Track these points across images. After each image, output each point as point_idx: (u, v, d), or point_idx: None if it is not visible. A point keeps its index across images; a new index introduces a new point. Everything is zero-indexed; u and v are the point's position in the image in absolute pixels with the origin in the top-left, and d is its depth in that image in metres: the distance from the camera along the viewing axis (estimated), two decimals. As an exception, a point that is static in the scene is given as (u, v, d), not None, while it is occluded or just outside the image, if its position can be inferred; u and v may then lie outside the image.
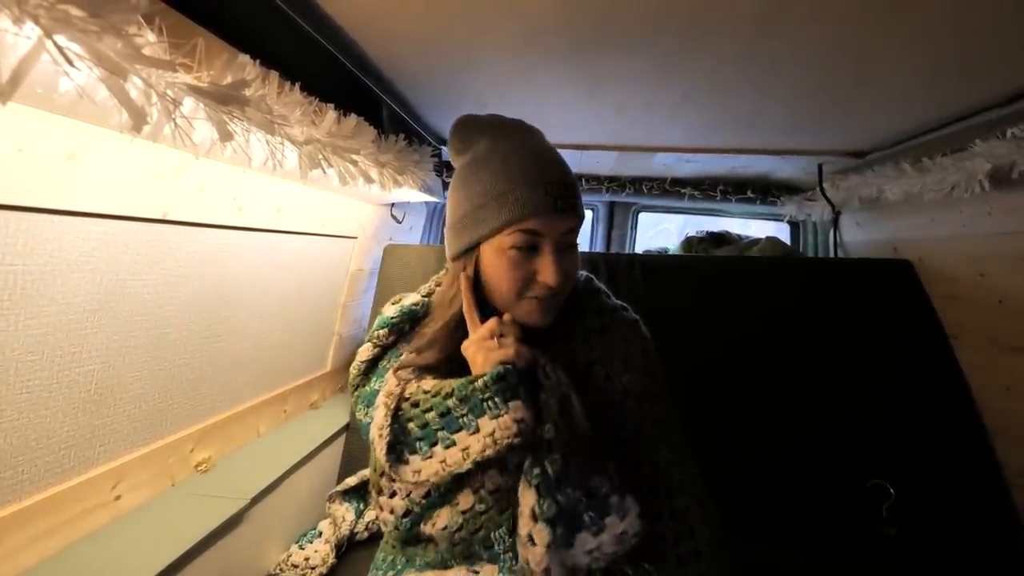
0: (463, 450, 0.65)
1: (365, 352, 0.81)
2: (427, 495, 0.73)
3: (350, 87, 0.92)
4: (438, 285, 0.85)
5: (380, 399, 0.73)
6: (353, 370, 0.82)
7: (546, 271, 0.67)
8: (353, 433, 1.29)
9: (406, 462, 0.69)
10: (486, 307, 0.73)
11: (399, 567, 0.76)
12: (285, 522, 1.03)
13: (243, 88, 0.58)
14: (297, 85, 0.75)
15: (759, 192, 1.75)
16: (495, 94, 1.04)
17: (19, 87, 0.36)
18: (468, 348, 0.67)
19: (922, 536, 1.05)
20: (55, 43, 0.35)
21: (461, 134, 0.77)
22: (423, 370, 0.74)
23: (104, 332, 0.74)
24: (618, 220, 2.10)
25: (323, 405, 1.41)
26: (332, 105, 0.85)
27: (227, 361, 1.02)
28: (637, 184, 1.81)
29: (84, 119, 0.55)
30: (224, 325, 0.99)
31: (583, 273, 0.84)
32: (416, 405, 0.69)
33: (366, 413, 0.77)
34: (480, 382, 0.62)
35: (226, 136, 0.56)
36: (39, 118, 0.54)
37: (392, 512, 0.75)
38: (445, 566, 0.70)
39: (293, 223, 1.11)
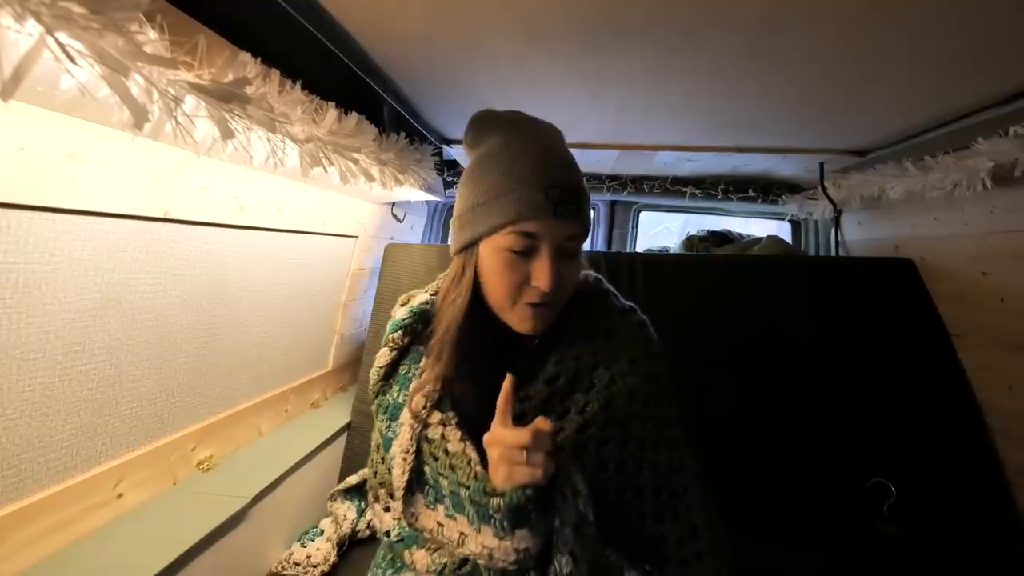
0: (460, 533, 0.63)
1: (383, 357, 0.79)
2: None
3: (351, 85, 0.92)
4: None
5: (406, 418, 0.71)
6: (373, 376, 0.80)
7: (540, 275, 0.64)
8: (354, 432, 1.29)
9: (412, 495, 0.69)
10: (484, 309, 0.72)
11: (399, 565, 0.76)
12: (287, 520, 1.03)
13: (244, 86, 0.58)
14: (298, 83, 0.75)
15: (760, 191, 1.75)
16: (497, 93, 1.04)
17: (21, 84, 0.36)
18: (492, 448, 0.61)
19: (923, 535, 1.05)
20: (56, 40, 0.35)
21: (477, 128, 0.76)
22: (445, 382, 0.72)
23: (106, 331, 0.74)
24: (619, 219, 2.10)
25: (324, 404, 1.41)
26: (333, 103, 0.85)
27: (228, 360, 1.02)
28: (638, 183, 1.81)
29: (85, 117, 0.55)
30: (225, 324, 0.99)
31: (592, 274, 0.83)
32: (435, 458, 0.68)
33: (388, 426, 0.74)
34: (495, 502, 0.58)
35: (227, 134, 0.56)
36: (40, 116, 0.54)
37: (381, 523, 0.77)
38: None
39: (294, 222, 1.11)
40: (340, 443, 1.27)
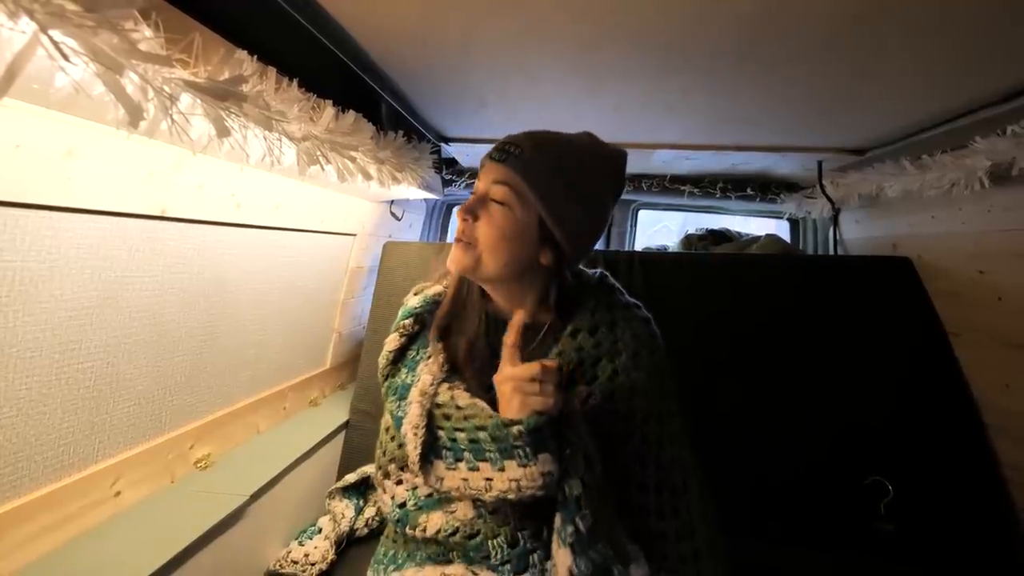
0: (486, 479, 0.66)
1: (393, 342, 0.83)
2: (429, 494, 0.74)
3: (348, 83, 0.92)
4: None
5: (414, 395, 0.75)
6: (382, 360, 0.83)
7: (460, 207, 0.73)
8: (353, 430, 1.29)
9: (431, 463, 0.71)
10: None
11: (400, 561, 0.76)
12: (285, 518, 1.03)
13: (240, 84, 0.58)
14: (295, 81, 0.74)
15: (759, 189, 1.75)
16: (495, 91, 1.04)
17: (14, 82, 0.36)
18: (504, 384, 0.65)
19: (920, 532, 1.05)
20: (50, 38, 0.35)
21: None
22: (455, 369, 0.77)
23: (103, 329, 0.74)
24: (617, 218, 2.10)
25: (323, 402, 1.41)
26: (330, 101, 0.84)
27: (226, 358, 1.02)
28: (636, 181, 1.81)
29: (80, 115, 0.55)
30: (223, 322, 0.99)
31: (598, 270, 0.87)
32: (448, 418, 0.71)
33: (398, 406, 0.77)
34: (515, 429, 0.62)
35: (223, 132, 0.56)
36: (36, 114, 0.54)
37: (392, 498, 0.79)
38: (447, 561, 0.71)
39: (292, 220, 1.11)
40: (338, 441, 1.27)
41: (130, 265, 0.77)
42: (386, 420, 0.84)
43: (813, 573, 1.03)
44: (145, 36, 0.45)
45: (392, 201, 1.56)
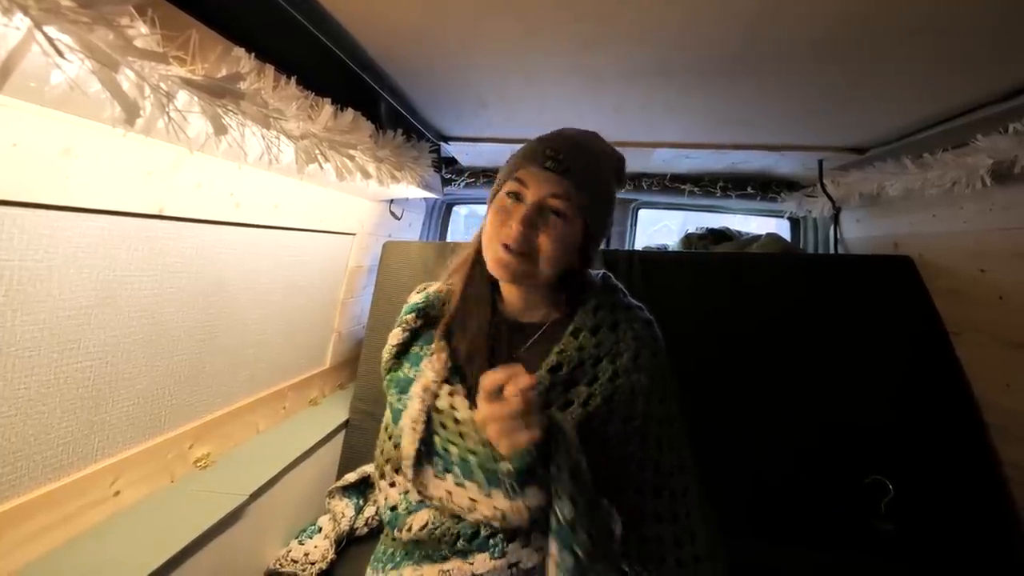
0: (471, 499, 0.66)
1: (396, 337, 0.84)
2: (421, 500, 0.75)
3: (347, 81, 0.92)
4: None
5: (416, 390, 0.75)
6: (385, 354, 0.84)
7: (515, 215, 0.69)
8: (352, 430, 1.29)
9: (422, 466, 0.71)
10: (484, 270, 0.76)
11: (398, 559, 0.76)
12: (284, 518, 1.03)
13: (238, 81, 0.57)
14: (293, 79, 0.74)
15: (759, 188, 1.74)
16: (494, 90, 1.04)
17: (9, 79, 0.36)
18: (489, 426, 0.61)
19: (920, 532, 1.05)
20: (45, 34, 0.35)
21: None
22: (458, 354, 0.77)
23: (101, 328, 0.74)
24: (617, 216, 2.09)
25: (322, 402, 1.41)
26: (329, 99, 0.84)
27: (226, 358, 1.02)
28: (636, 180, 1.80)
29: (77, 112, 0.55)
30: (222, 322, 0.99)
31: (601, 270, 0.86)
32: (444, 427, 0.71)
33: (399, 399, 0.78)
34: (504, 467, 0.62)
35: (221, 130, 0.56)
36: (33, 112, 0.54)
37: (386, 499, 0.80)
38: (443, 558, 0.71)
39: (291, 219, 1.11)
40: (338, 441, 1.27)
41: (129, 264, 0.77)
42: (386, 419, 0.84)
43: (813, 572, 1.03)
44: (141, 33, 0.45)
45: (391, 200, 1.56)
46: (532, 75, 0.94)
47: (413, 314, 0.84)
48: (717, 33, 0.74)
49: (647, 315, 0.82)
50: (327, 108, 0.82)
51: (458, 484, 0.68)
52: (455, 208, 2.14)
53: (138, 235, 0.77)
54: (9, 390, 0.63)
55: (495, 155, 1.59)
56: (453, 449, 0.69)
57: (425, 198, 1.80)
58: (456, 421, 0.70)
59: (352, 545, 1.04)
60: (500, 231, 0.71)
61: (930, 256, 1.25)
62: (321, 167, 0.83)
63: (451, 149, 1.54)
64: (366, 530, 1.05)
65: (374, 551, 0.84)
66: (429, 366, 0.77)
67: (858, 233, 1.60)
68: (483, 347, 0.77)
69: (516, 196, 0.72)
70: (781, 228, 2.00)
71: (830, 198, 1.52)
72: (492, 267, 0.73)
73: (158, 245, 0.81)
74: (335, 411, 1.34)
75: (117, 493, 0.80)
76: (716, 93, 0.98)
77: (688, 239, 1.89)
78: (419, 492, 0.72)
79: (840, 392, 1.18)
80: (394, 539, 0.78)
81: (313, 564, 0.95)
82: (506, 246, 0.70)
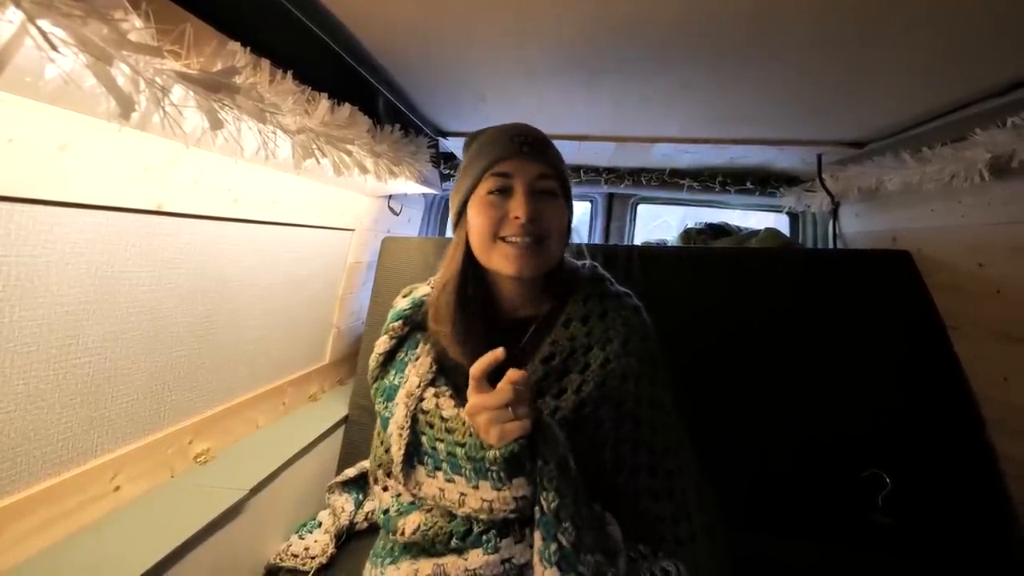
0: (460, 494, 0.67)
1: (382, 344, 0.84)
2: (412, 502, 0.76)
3: (344, 76, 0.92)
4: None
5: (400, 396, 0.76)
6: (372, 362, 0.84)
7: (516, 206, 0.70)
8: (352, 425, 1.29)
9: (414, 467, 0.73)
10: (478, 276, 0.77)
11: (396, 554, 0.76)
12: (285, 513, 1.03)
13: (233, 75, 0.57)
14: (289, 73, 0.74)
15: (758, 183, 1.74)
16: (493, 84, 1.03)
17: (2, 72, 0.36)
18: (478, 415, 0.61)
19: (918, 525, 1.06)
20: (38, 28, 0.35)
21: (469, 137, 0.84)
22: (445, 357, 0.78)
23: (100, 324, 0.74)
24: (617, 212, 2.09)
25: (322, 397, 1.41)
26: (326, 94, 0.84)
27: (225, 353, 1.02)
28: (635, 176, 1.80)
29: (72, 107, 0.55)
30: (222, 317, 0.99)
31: (587, 261, 0.87)
32: (431, 426, 0.72)
33: (386, 407, 0.79)
34: (491, 454, 0.61)
35: (216, 124, 0.56)
36: (29, 108, 0.54)
37: (380, 502, 0.81)
38: (439, 554, 0.71)
39: (289, 215, 1.11)
40: (338, 436, 1.27)
41: (127, 260, 0.77)
42: (378, 424, 0.84)
43: (811, 566, 1.03)
44: (135, 26, 0.45)
45: (390, 196, 1.56)
46: (530, 70, 0.94)
47: (400, 321, 0.84)
48: (716, 26, 0.74)
49: (635, 301, 0.83)
50: (324, 103, 0.82)
51: (448, 480, 0.69)
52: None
53: (136, 231, 0.77)
54: (8, 386, 0.64)
55: (494, 150, 1.59)
56: (441, 446, 0.69)
57: (424, 194, 1.80)
58: (442, 419, 0.71)
59: (352, 539, 1.04)
60: (501, 227, 0.71)
61: (928, 251, 1.25)
62: (318, 162, 0.83)
63: (449, 144, 1.53)
64: (366, 524, 1.06)
65: (373, 546, 0.84)
66: (414, 371, 0.78)
67: (857, 228, 1.60)
68: (484, 351, 0.75)
69: (501, 191, 0.72)
70: (780, 223, 2.00)
71: (829, 193, 1.52)
72: (508, 270, 0.72)
73: (156, 241, 0.81)
74: (334, 407, 1.34)
75: (117, 488, 0.80)
76: (715, 87, 0.98)
77: (687, 234, 1.89)
78: (413, 494, 0.73)
79: (838, 386, 1.18)
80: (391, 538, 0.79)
81: (313, 558, 0.96)
82: (513, 242, 0.71)
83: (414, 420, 0.73)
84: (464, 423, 0.68)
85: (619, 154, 1.61)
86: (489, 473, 0.63)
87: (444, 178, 1.77)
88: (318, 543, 0.99)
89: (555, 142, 0.80)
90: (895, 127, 1.14)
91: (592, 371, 0.74)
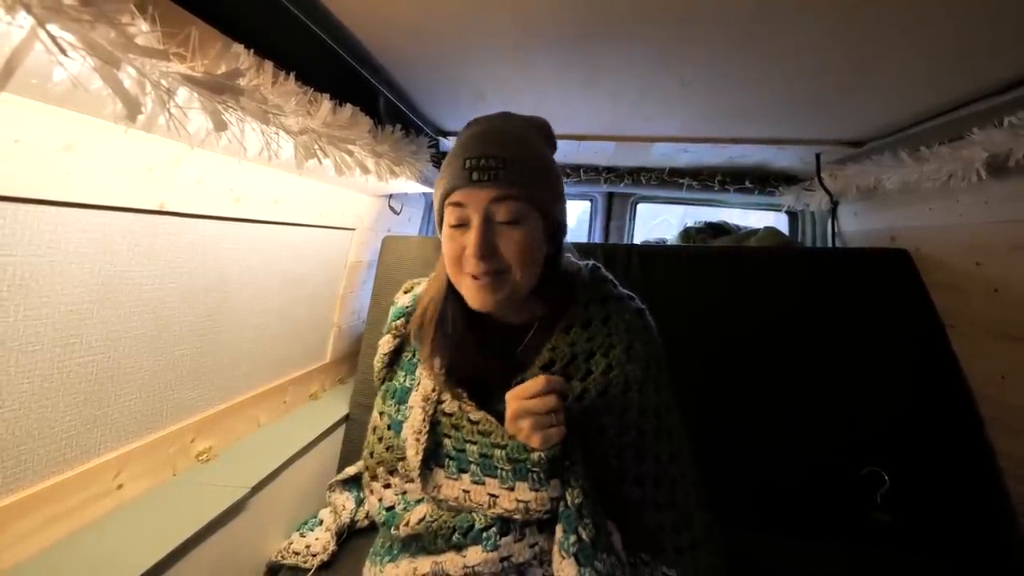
0: (490, 495, 0.67)
1: (386, 344, 0.82)
2: (420, 499, 0.76)
3: (346, 77, 0.92)
4: None
5: (416, 400, 0.74)
6: (377, 363, 0.83)
7: (469, 242, 0.66)
8: (353, 424, 1.30)
9: (430, 470, 0.71)
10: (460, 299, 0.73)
11: (395, 552, 0.77)
12: (286, 510, 1.04)
13: (237, 77, 0.58)
14: (292, 75, 0.74)
15: (757, 182, 1.75)
16: (492, 84, 1.04)
17: (12, 77, 0.37)
18: (521, 421, 0.63)
19: (917, 523, 1.06)
20: (48, 32, 0.36)
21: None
22: (450, 369, 0.75)
23: (103, 323, 0.75)
24: (616, 211, 2.10)
25: (323, 396, 1.42)
26: (327, 95, 0.84)
27: (227, 352, 1.02)
28: (635, 175, 1.81)
29: (79, 109, 0.55)
30: (223, 316, 0.99)
31: (590, 262, 0.84)
32: (458, 428, 0.70)
33: (397, 409, 0.77)
34: (535, 456, 0.63)
35: (220, 126, 0.56)
36: (34, 109, 0.54)
37: (380, 500, 0.80)
38: (439, 551, 0.72)
39: (290, 214, 1.11)
40: (339, 435, 1.28)
41: (130, 260, 0.77)
42: (374, 420, 0.84)
43: (810, 563, 1.04)
44: (142, 30, 0.45)
45: (391, 195, 1.56)
46: (529, 68, 0.94)
47: (402, 319, 0.82)
48: (714, 26, 0.74)
49: (638, 304, 0.81)
50: (326, 104, 0.82)
51: (475, 482, 0.68)
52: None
53: (139, 231, 0.77)
54: (12, 385, 0.64)
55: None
56: (472, 448, 0.68)
57: (424, 193, 1.80)
58: (471, 421, 0.70)
59: (353, 537, 1.05)
60: (464, 265, 0.68)
61: (927, 249, 1.26)
62: (320, 162, 0.83)
63: (449, 143, 1.54)
64: (367, 522, 1.06)
65: (372, 545, 0.85)
66: (426, 374, 0.76)
67: (856, 226, 1.61)
68: (477, 360, 0.75)
69: (460, 224, 0.68)
70: (779, 222, 2.01)
71: (828, 192, 1.52)
72: (473, 304, 0.70)
73: (159, 241, 0.81)
74: (335, 405, 1.35)
75: (120, 486, 0.80)
76: (714, 86, 0.98)
77: (686, 233, 1.89)
78: (433, 497, 0.72)
79: (837, 384, 1.18)
80: (391, 535, 0.79)
81: (315, 556, 0.96)
82: (475, 278, 0.67)
83: (433, 424, 0.72)
84: (497, 425, 0.68)
85: (618, 153, 1.61)
86: (531, 475, 0.64)
87: (444, 177, 1.77)
88: (319, 541, 1.00)
89: (513, 128, 0.73)
90: (893, 126, 1.15)
91: (594, 378, 0.72)
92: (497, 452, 0.66)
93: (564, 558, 0.60)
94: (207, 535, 0.79)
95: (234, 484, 0.89)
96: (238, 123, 0.61)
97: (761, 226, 1.82)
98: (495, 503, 0.66)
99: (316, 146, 0.80)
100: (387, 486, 0.80)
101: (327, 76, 0.86)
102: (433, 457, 0.72)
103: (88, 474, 0.75)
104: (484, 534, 0.67)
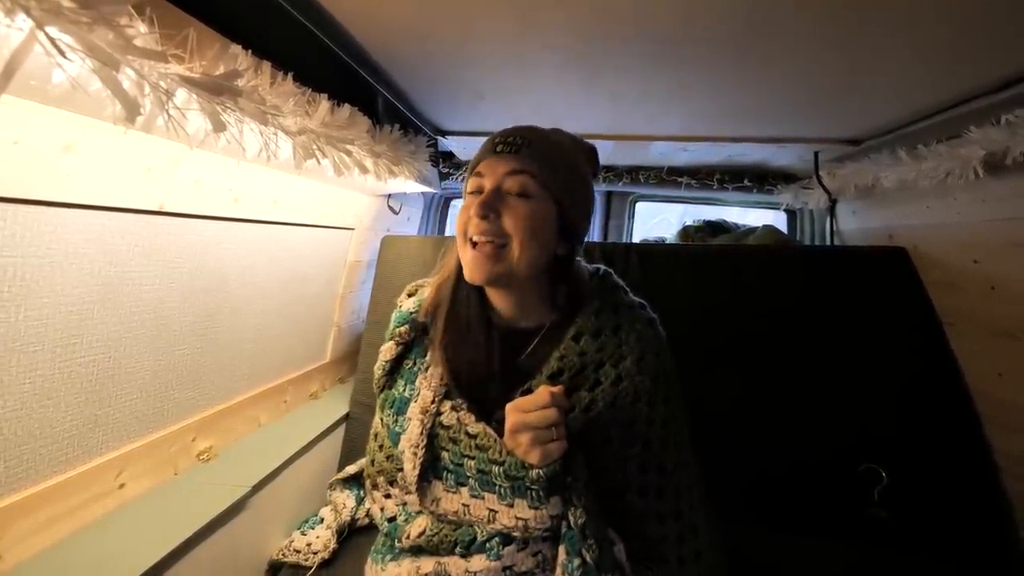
0: (490, 510, 0.65)
1: (388, 351, 0.80)
2: (419, 511, 0.75)
3: (344, 77, 0.92)
4: None
5: (414, 412, 0.73)
6: (378, 370, 0.81)
7: (475, 205, 0.67)
8: (353, 423, 1.30)
9: (428, 483, 0.70)
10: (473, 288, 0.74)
11: (397, 552, 0.77)
12: (287, 509, 1.05)
13: (235, 78, 0.58)
14: (290, 75, 0.74)
15: (755, 180, 1.75)
16: (491, 83, 1.04)
17: (12, 79, 0.37)
18: (520, 435, 0.62)
19: (914, 519, 1.07)
20: (47, 34, 0.36)
21: None
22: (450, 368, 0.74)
23: (104, 323, 0.75)
24: (615, 210, 2.10)
25: (323, 395, 1.43)
26: (326, 95, 0.84)
27: (227, 352, 1.03)
28: (634, 173, 1.81)
29: (78, 110, 0.55)
30: (223, 316, 1.00)
31: (602, 267, 0.83)
32: (455, 442, 0.69)
33: (395, 420, 0.75)
34: (534, 474, 0.61)
35: (219, 127, 0.57)
36: (34, 110, 0.54)
37: (382, 510, 0.79)
38: (440, 553, 0.71)
39: (290, 214, 1.12)
40: (339, 434, 1.28)
41: (130, 260, 0.77)
42: (375, 427, 0.83)
43: (808, 560, 1.05)
44: (140, 32, 0.45)
45: (390, 195, 1.57)
46: (528, 68, 0.94)
47: (406, 326, 0.80)
48: (713, 25, 0.74)
49: (650, 314, 0.79)
50: (324, 104, 0.82)
51: (474, 496, 0.67)
52: (453, 202, 2.14)
53: (139, 231, 0.78)
54: (14, 385, 0.64)
55: (492, 149, 1.59)
56: (469, 463, 0.67)
57: (423, 192, 1.81)
58: (469, 435, 0.68)
59: (354, 535, 1.05)
60: (467, 229, 0.69)
61: (924, 247, 1.26)
62: (319, 162, 0.83)
63: (448, 143, 1.54)
64: (367, 520, 1.07)
65: (373, 543, 0.85)
66: (425, 384, 0.75)
67: (854, 224, 1.61)
68: (482, 362, 0.75)
69: (478, 191, 0.70)
70: (778, 220, 2.01)
71: (826, 190, 1.53)
72: (467, 274, 0.70)
73: (159, 241, 0.82)
74: (335, 404, 1.35)
75: (122, 486, 0.81)
76: (713, 85, 0.98)
77: (685, 231, 1.89)
78: (431, 510, 0.71)
79: (835, 382, 1.19)
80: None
81: (315, 554, 0.97)
82: (474, 244, 0.68)
83: (431, 437, 0.71)
84: (495, 440, 0.67)
85: (617, 152, 1.61)
86: (529, 492, 0.62)
87: (443, 177, 1.77)
88: (320, 539, 1.00)
89: (552, 131, 0.76)
90: (891, 125, 1.15)
91: (603, 389, 0.70)
92: (495, 468, 0.64)
93: None
94: (208, 534, 0.80)
95: (235, 483, 0.90)
96: (237, 124, 0.62)
97: (760, 224, 1.82)
98: (494, 518, 0.65)
99: (315, 146, 0.80)
100: (387, 496, 0.79)
101: (325, 76, 0.86)
102: (431, 470, 0.70)
103: (89, 474, 0.75)
104: (487, 544, 0.67)
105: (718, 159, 1.64)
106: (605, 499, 0.67)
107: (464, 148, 1.64)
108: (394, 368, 0.80)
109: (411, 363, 0.79)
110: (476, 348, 0.75)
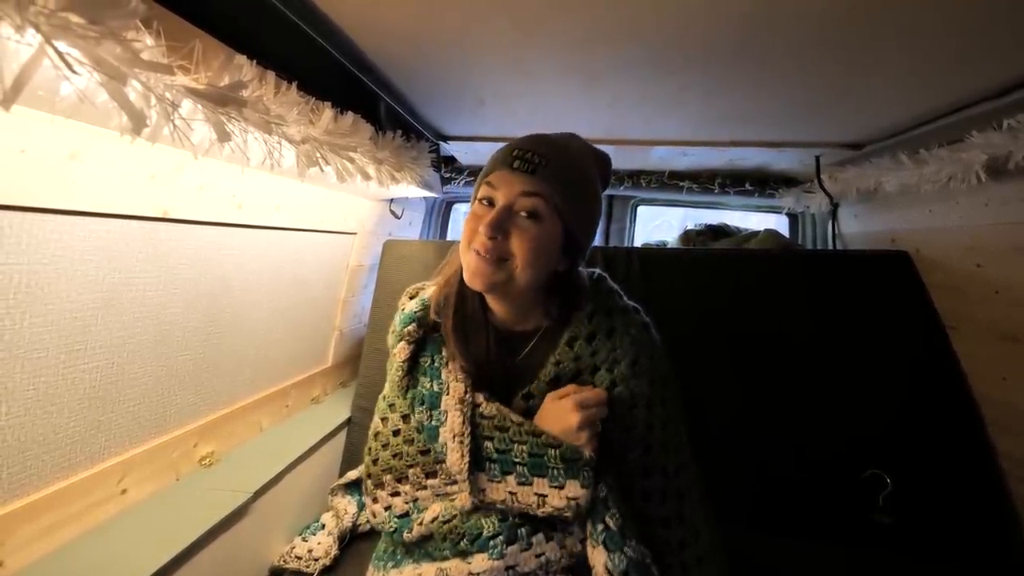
0: (539, 495, 0.67)
1: (403, 351, 0.81)
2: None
3: (347, 84, 0.93)
4: None
5: (451, 404, 0.74)
6: (396, 372, 0.81)
7: (485, 218, 0.68)
8: (354, 427, 1.30)
9: (475, 474, 0.71)
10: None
11: (399, 557, 0.77)
12: (288, 515, 1.05)
13: (240, 89, 0.58)
14: (294, 84, 0.75)
15: (757, 185, 1.75)
16: (492, 88, 1.04)
17: (21, 93, 0.37)
18: (584, 431, 0.68)
19: (918, 525, 1.06)
20: (55, 49, 0.36)
21: None
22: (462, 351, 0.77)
23: (107, 329, 0.76)
24: (617, 214, 2.10)
25: (325, 400, 1.43)
26: (329, 103, 0.85)
27: (229, 357, 1.03)
28: (635, 177, 1.81)
29: (85, 121, 0.56)
30: (226, 322, 1.00)
31: (596, 271, 0.84)
32: (503, 430, 0.71)
33: (429, 416, 0.76)
34: (588, 455, 0.67)
35: (224, 137, 0.57)
36: (40, 120, 0.55)
37: (389, 509, 0.79)
38: (443, 558, 0.72)
39: (292, 220, 1.12)
40: (340, 438, 1.29)
41: (134, 266, 0.78)
42: (375, 426, 0.83)
43: (812, 565, 1.04)
44: (147, 45, 0.46)
45: (392, 200, 1.57)
46: (528, 73, 0.95)
47: (414, 324, 0.81)
48: (713, 29, 0.74)
49: (644, 317, 0.80)
50: (327, 112, 0.83)
51: (522, 483, 0.68)
52: (455, 206, 2.15)
53: (143, 238, 0.78)
54: (18, 391, 0.65)
55: (494, 153, 1.60)
56: (520, 447, 0.69)
57: (425, 197, 1.81)
58: (517, 423, 0.71)
59: (355, 541, 1.05)
60: (473, 239, 0.69)
61: (927, 251, 1.26)
62: (322, 170, 0.84)
63: (450, 148, 1.55)
64: (368, 526, 1.07)
65: (375, 549, 0.85)
66: (451, 377, 0.76)
67: (856, 228, 1.61)
68: (484, 359, 0.77)
69: (489, 201, 0.70)
70: (780, 224, 2.01)
71: (827, 194, 1.52)
72: (467, 277, 0.71)
73: (162, 247, 0.82)
74: (337, 409, 1.35)
75: (124, 491, 0.81)
76: (713, 89, 0.98)
77: (687, 235, 1.89)
78: (479, 501, 0.71)
79: (838, 387, 1.19)
80: (397, 540, 0.79)
81: (317, 560, 0.97)
82: (478, 253, 0.69)
83: (473, 426, 0.72)
84: (538, 427, 0.70)
85: (618, 156, 1.61)
86: (582, 472, 0.66)
87: (445, 181, 1.78)
88: (321, 545, 1.00)
89: (568, 138, 0.77)
90: (892, 129, 1.15)
91: None
92: (550, 451, 0.67)
93: (594, 546, 0.64)
94: (210, 540, 0.80)
95: (237, 488, 0.90)
96: (241, 133, 0.62)
97: (761, 228, 1.82)
98: (544, 502, 0.67)
99: (318, 154, 0.81)
100: (395, 494, 0.79)
101: (328, 84, 0.87)
102: (474, 461, 0.71)
103: (92, 479, 0.76)
104: (491, 542, 0.67)
105: (719, 163, 1.64)
106: None
107: (466, 153, 1.65)
108: (412, 368, 0.81)
109: (429, 359, 0.80)
110: (477, 348, 0.78)
